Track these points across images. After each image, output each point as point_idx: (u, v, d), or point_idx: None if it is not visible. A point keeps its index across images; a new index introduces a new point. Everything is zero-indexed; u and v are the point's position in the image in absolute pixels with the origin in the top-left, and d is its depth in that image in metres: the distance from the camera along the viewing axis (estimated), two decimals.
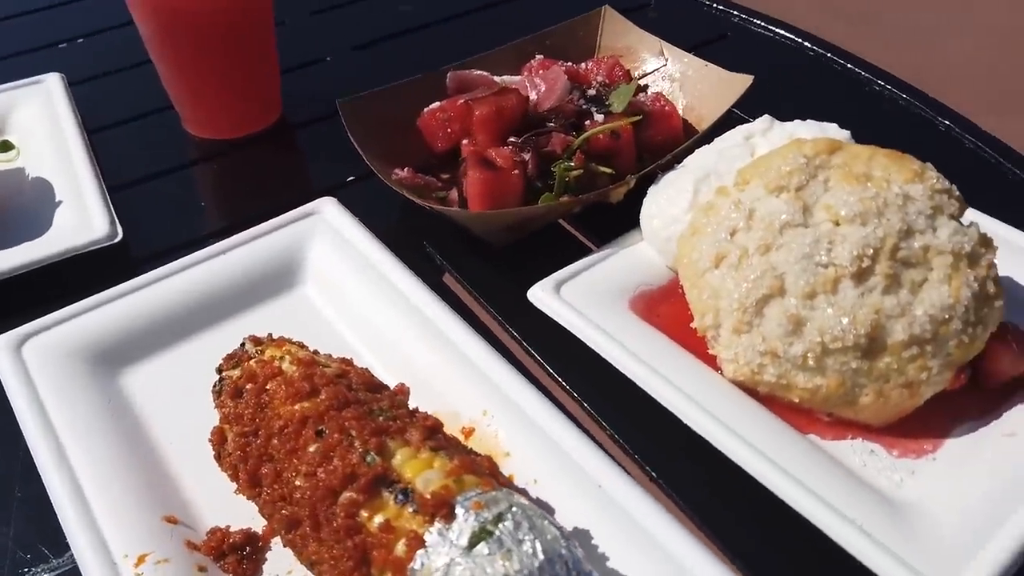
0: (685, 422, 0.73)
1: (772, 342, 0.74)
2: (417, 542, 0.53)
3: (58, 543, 0.66)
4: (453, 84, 1.11)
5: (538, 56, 1.12)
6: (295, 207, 0.95)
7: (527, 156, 0.97)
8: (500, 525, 0.53)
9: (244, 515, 0.68)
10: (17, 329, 0.80)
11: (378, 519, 0.55)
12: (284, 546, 0.64)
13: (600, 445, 0.70)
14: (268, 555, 0.67)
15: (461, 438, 0.73)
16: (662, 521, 0.64)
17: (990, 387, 0.76)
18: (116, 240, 0.95)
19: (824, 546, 0.64)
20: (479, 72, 1.11)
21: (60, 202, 1.01)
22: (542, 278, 0.86)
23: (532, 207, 0.93)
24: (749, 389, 0.77)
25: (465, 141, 1.02)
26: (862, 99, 1.25)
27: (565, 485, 0.68)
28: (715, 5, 1.50)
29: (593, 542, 0.65)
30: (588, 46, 1.20)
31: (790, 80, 1.29)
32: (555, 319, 0.83)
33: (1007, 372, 0.76)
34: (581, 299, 0.84)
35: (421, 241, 1.00)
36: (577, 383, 0.81)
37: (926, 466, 0.72)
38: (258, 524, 0.68)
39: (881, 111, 1.22)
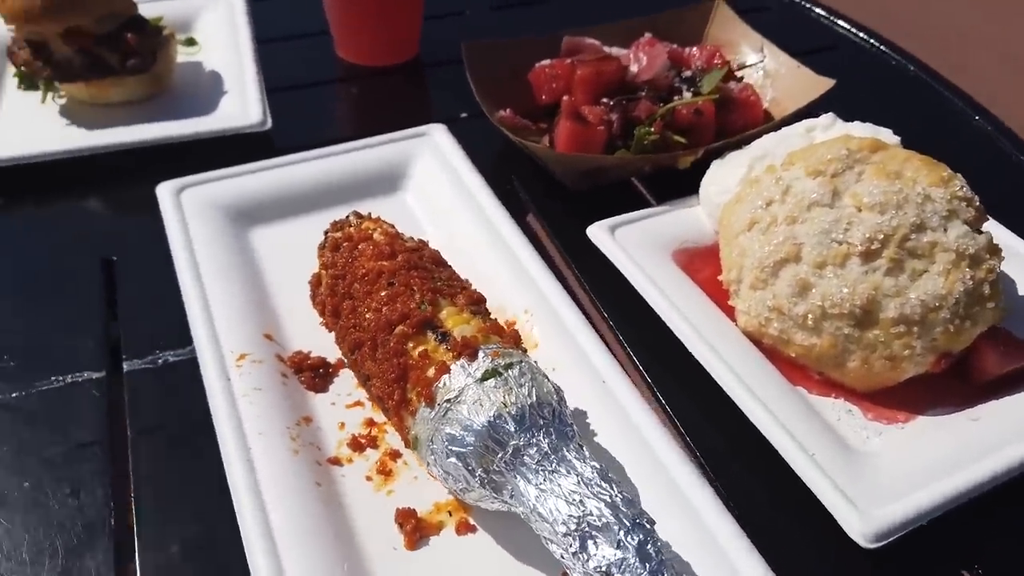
0: (691, 351, 0.85)
1: (780, 300, 0.85)
2: (444, 369, 0.69)
3: (185, 337, 0.85)
4: (566, 48, 1.25)
5: (647, 34, 1.25)
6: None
7: (614, 116, 1.10)
8: (509, 371, 0.68)
9: (323, 347, 0.86)
10: (179, 179, 1.01)
11: (419, 350, 0.71)
12: (348, 367, 0.82)
13: (613, 353, 0.84)
14: (335, 380, 0.85)
15: (505, 327, 0.88)
16: (646, 417, 0.77)
17: (975, 382, 0.85)
18: (265, 128, 1.15)
19: (784, 471, 0.75)
20: (591, 40, 1.25)
21: (227, 92, 1.23)
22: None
23: (606, 156, 1.07)
24: (756, 340, 0.89)
25: (566, 97, 1.17)
26: (952, 128, 1.31)
27: (576, 375, 0.82)
28: (830, 18, 1.58)
29: (587, 420, 0.79)
30: (696, 34, 1.32)
31: (885, 92, 1.37)
32: (605, 254, 0.97)
33: (991, 371, 0.84)
34: (631, 242, 0.98)
35: (510, 176, 1.16)
36: (611, 309, 0.95)
37: (893, 432, 0.82)
38: (332, 356, 0.86)
39: (964, 141, 1.28)
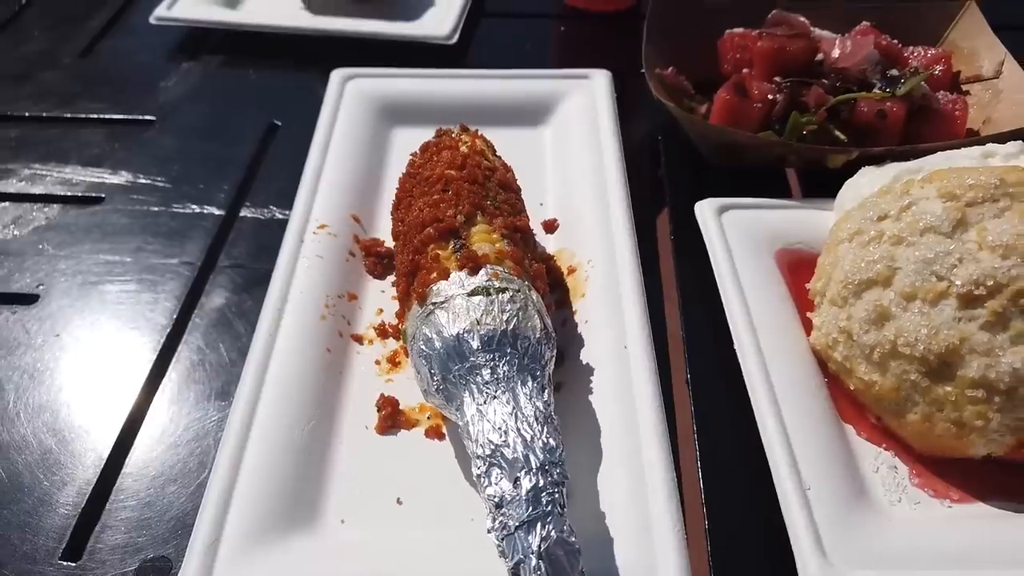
0: (738, 356, 0.78)
1: (853, 323, 0.75)
2: (444, 275, 0.71)
3: (290, 201, 0.96)
4: (772, 20, 1.16)
5: (864, 22, 1.12)
6: None
7: (780, 96, 1.01)
8: (500, 295, 0.69)
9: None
10: (349, 68, 1.12)
11: (434, 253, 0.74)
12: (392, 253, 0.88)
13: (651, 322, 0.80)
14: (392, 274, 0.90)
15: (565, 271, 0.88)
16: (650, 404, 0.73)
17: None
18: (451, 42, 1.22)
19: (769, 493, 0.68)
20: (801, 18, 1.15)
21: (433, 4, 1.32)
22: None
23: (742, 132, 0.99)
24: (822, 362, 0.80)
25: (745, 70, 1.09)
26: None
27: (604, 333, 0.80)
28: None
29: (591, 377, 0.77)
30: (933, 34, 1.16)
31: None
32: (702, 232, 0.91)
33: None
34: (736, 228, 0.91)
35: (656, 137, 1.12)
36: (688, 290, 0.90)
37: (935, 507, 0.70)
38: None
39: None
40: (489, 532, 0.59)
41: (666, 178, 1.06)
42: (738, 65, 1.11)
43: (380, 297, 0.87)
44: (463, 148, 0.86)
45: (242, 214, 0.98)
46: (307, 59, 1.26)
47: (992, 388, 0.68)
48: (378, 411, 0.76)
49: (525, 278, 0.73)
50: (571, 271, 0.88)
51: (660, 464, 0.68)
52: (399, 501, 0.70)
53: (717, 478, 0.73)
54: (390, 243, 0.91)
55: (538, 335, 0.69)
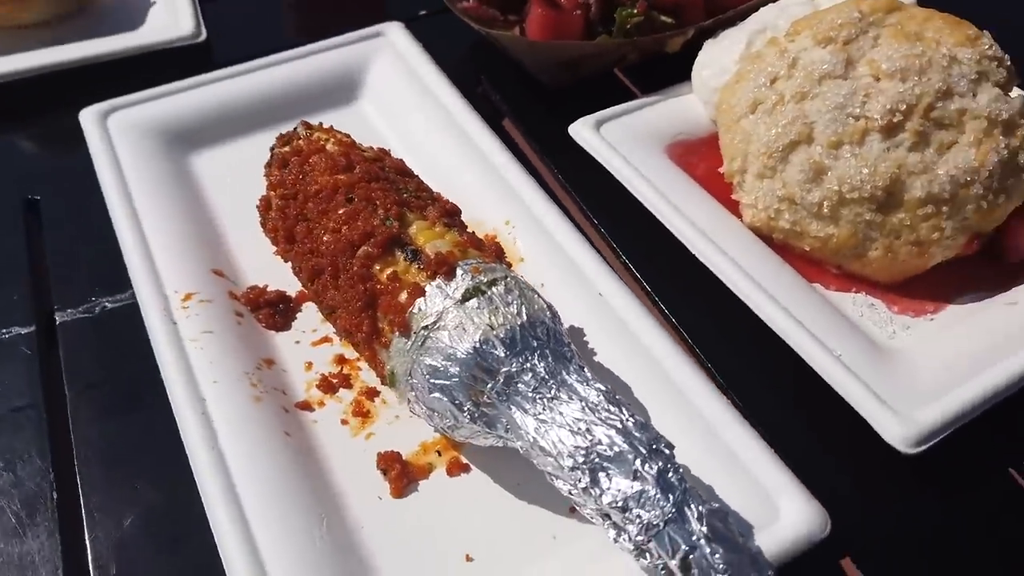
0: (694, 253, 0.76)
1: (792, 188, 0.76)
2: (418, 292, 0.59)
3: (123, 280, 0.75)
4: None
5: None
6: None
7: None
8: (493, 288, 0.59)
9: (281, 279, 0.76)
10: (105, 102, 0.89)
11: (388, 272, 0.62)
12: (308, 298, 0.72)
13: (608, 263, 0.74)
14: (297, 315, 0.75)
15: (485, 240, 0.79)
16: (650, 330, 0.68)
17: (1010, 261, 0.77)
18: (200, 39, 1.02)
19: (807, 378, 0.67)
20: None
21: (153, 2, 1.09)
22: None
23: (586, 43, 0.95)
24: (765, 237, 0.80)
25: None
26: None
27: (568, 290, 0.73)
28: None
29: (584, 338, 0.71)
30: None
31: None
32: (590, 152, 0.86)
33: None
34: (619, 138, 0.87)
35: (479, 77, 1.04)
36: (600, 212, 0.86)
37: (921, 324, 0.74)
38: (292, 289, 0.76)
39: None
40: (618, 540, 0.52)
41: (513, 115, 0.99)
42: None
43: (299, 350, 0.72)
44: (330, 147, 0.72)
45: (60, 320, 0.75)
46: (38, 110, 0.98)
47: (938, 200, 0.72)
48: (384, 474, 0.63)
49: (497, 261, 0.64)
50: (491, 239, 0.79)
51: (712, 399, 0.64)
52: (469, 558, 0.59)
53: (747, 389, 0.71)
54: (275, 285, 0.76)
55: (549, 314, 0.60)
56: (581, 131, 0.88)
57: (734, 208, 0.83)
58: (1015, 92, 0.76)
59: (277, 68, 0.96)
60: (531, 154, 0.94)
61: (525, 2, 1.04)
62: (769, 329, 0.70)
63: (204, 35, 1.02)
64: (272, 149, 0.77)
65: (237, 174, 0.86)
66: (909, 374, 0.67)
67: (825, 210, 0.75)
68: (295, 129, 0.77)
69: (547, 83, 0.99)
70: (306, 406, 0.68)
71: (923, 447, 0.62)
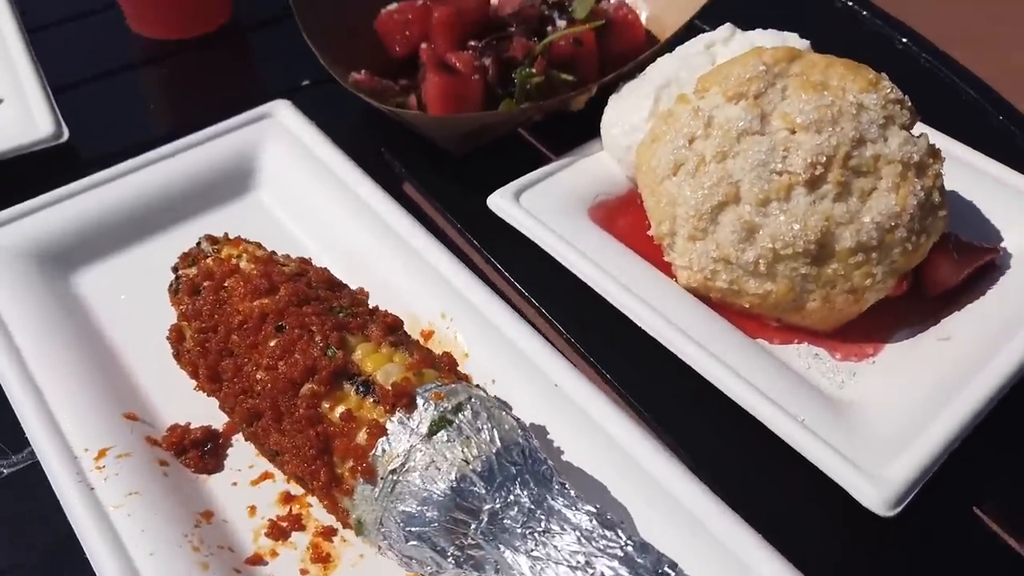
0: (639, 324, 0.75)
1: (725, 248, 0.75)
2: (378, 430, 0.54)
3: (17, 439, 0.65)
4: None
5: None
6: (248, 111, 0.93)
7: (487, 61, 0.95)
8: (459, 415, 0.55)
9: (204, 413, 0.68)
10: None
11: (339, 410, 0.56)
12: (246, 440, 0.65)
13: (556, 347, 0.72)
14: (229, 451, 0.68)
15: (421, 340, 0.74)
16: (615, 418, 0.66)
17: (931, 295, 0.79)
18: (62, 140, 0.92)
19: (768, 441, 0.67)
20: None
21: (1, 100, 0.97)
22: (502, 187, 0.86)
23: (492, 112, 0.92)
24: (702, 296, 0.79)
25: (424, 45, 1.00)
26: (823, 11, 1.25)
27: (522, 384, 0.70)
28: None
29: (549, 437, 0.67)
30: None
31: None
32: (514, 226, 0.83)
33: (948, 281, 0.78)
34: (541, 207, 0.85)
35: (379, 148, 0.99)
36: (535, 289, 0.83)
37: (866, 369, 0.75)
38: (219, 421, 0.68)
39: (840, 23, 1.22)
40: None
41: (421, 188, 0.94)
42: (411, 42, 1.02)
43: (238, 494, 0.65)
44: (244, 265, 0.66)
45: None
46: None
47: (867, 248, 0.73)
48: None
49: (454, 376, 0.59)
50: (428, 335, 0.74)
51: (685, 485, 0.62)
52: None
53: (708, 455, 0.70)
54: (198, 420, 0.68)
55: (519, 431, 0.57)
56: (501, 203, 0.85)
57: (666, 268, 0.82)
58: (917, 129, 0.79)
59: (158, 165, 0.87)
60: (448, 228, 0.90)
61: (416, 67, 1.00)
62: (724, 394, 0.69)
63: (67, 134, 0.92)
64: (175, 270, 0.69)
65: (131, 291, 0.78)
66: (869, 428, 0.68)
67: (761, 268, 0.75)
68: (198, 244, 0.70)
69: (452, 151, 0.95)
70: (258, 560, 0.61)
71: (900, 508, 0.62)
